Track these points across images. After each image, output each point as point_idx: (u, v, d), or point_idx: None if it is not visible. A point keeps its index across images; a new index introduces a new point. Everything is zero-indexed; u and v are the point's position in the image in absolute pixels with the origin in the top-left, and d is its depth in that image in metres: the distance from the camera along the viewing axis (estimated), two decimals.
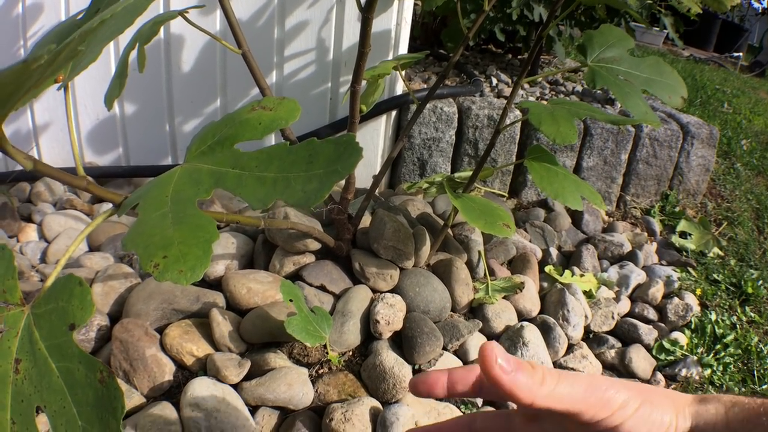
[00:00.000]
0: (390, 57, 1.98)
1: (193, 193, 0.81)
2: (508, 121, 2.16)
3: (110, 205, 2.03)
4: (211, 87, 2.03)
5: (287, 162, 0.79)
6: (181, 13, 1.37)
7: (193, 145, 0.91)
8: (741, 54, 8.17)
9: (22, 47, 2.00)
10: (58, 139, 2.12)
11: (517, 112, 2.22)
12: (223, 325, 1.40)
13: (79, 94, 2.05)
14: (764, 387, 1.73)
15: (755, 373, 1.77)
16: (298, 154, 0.79)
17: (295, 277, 1.58)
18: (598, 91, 2.60)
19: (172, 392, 1.35)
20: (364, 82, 1.44)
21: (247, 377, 1.35)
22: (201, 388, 1.27)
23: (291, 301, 1.33)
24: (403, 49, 2.02)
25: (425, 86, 2.35)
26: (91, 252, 1.75)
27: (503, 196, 2.31)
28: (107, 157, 2.17)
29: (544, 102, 2.51)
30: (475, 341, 1.56)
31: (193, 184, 0.83)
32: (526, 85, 2.65)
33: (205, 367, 1.37)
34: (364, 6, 1.24)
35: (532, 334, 1.57)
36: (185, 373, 1.38)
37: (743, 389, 1.72)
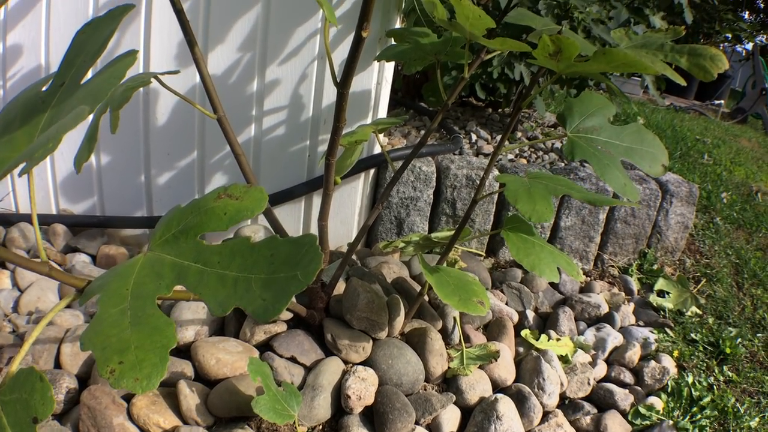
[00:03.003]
0: (369, 117, 1.97)
1: (154, 288, 0.80)
2: (487, 185, 2.15)
3: (83, 256, 2.02)
4: (189, 140, 2.02)
5: (249, 260, 0.78)
6: (155, 76, 1.36)
7: (158, 231, 0.90)
8: (722, 101, 8.25)
9: (1, 88, 1.98)
10: (34, 184, 2.09)
11: (497, 172, 2.21)
12: (190, 397, 1.38)
13: None
14: None
15: None
16: (260, 253, 0.79)
17: (266, 346, 1.56)
18: None
19: None
20: (341, 148, 1.44)
21: None
22: None
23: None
24: (383, 108, 2.01)
25: (405, 141, 2.35)
26: (62, 309, 1.72)
27: (480, 256, 2.30)
28: (82, 205, 2.15)
29: (523, 160, 2.51)
30: (448, 414, 1.54)
31: (154, 277, 0.82)
32: (506, 143, 2.65)
33: None
34: (340, 81, 1.23)
35: (506, 407, 1.54)
36: None
37: None
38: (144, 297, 0.79)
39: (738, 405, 1.87)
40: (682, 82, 1.37)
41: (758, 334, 2.24)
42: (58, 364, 1.50)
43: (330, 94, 1.95)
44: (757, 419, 1.82)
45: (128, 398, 1.40)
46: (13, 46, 1.93)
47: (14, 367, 0.75)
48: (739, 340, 2.15)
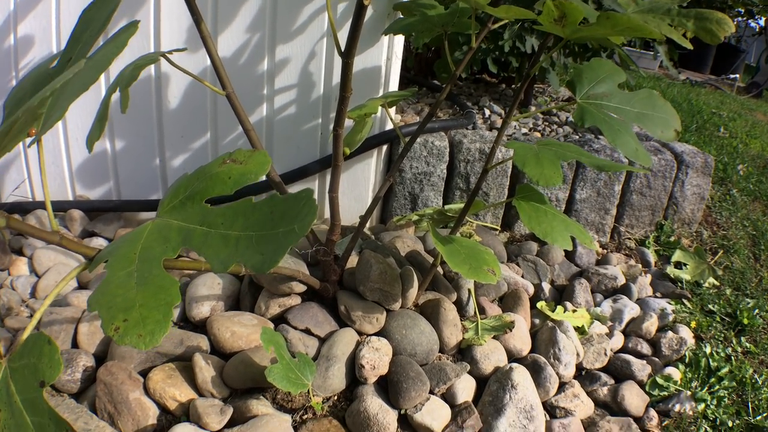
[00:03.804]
0: (380, 92, 1.97)
1: (161, 251, 0.82)
2: (498, 157, 2.15)
3: (100, 240, 2.04)
4: (202, 121, 2.03)
5: (251, 219, 0.80)
6: (164, 55, 1.37)
7: (166, 198, 0.91)
8: (738, 75, 8.17)
9: (14, 78, 2.00)
10: (49, 172, 2.11)
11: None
12: (206, 370, 1.39)
13: (70, 127, 2.05)
14: (759, 418, 1.71)
15: (750, 404, 1.76)
16: (261, 210, 0.80)
17: (281, 319, 1.57)
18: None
19: None
20: (350, 122, 1.44)
21: (230, 424, 1.33)
22: None
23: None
24: (394, 83, 2.01)
25: (418, 118, 2.34)
26: (79, 290, 1.74)
27: (495, 230, 2.30)
28: (98, 191, 2.17)
29: (537, 134, 2.50)
30: (462, 384, 1.54)
31: (161, 241, 0.83)
32: (519, 115, 2.64)
33: (188, 412, 1.36)
34: (344, 51, 1.24)
35: (521, 376, 1.55)
36: (168, 417, 1.37)
37: (737, 421, 1.70)
38: (151, 260, 0.80)
39: (756, 376, 1.86)
40: (689, 46, 1.36)
41: None
42: (75, 344, 1.52)
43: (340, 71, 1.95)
44: None
45: (144, 373, 1.42)
46: (24, 36, 1.94)
47: (24, 336, 0.76)
48: (757, 311, 2.14)
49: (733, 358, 1.93)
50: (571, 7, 1.14)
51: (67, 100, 0.81)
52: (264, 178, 1.55)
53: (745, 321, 2.08)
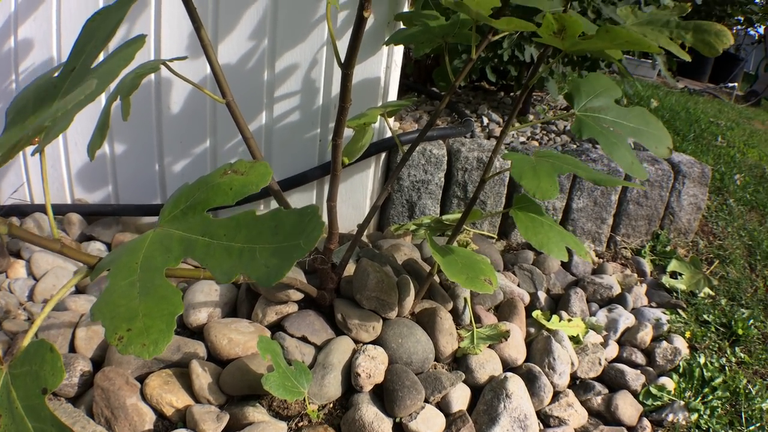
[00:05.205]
0: (379, 101, 1.98)
1: (163, 261, 0.83)
2: (496, 165, 2.16)
3: (98, 244, 2.04)
4: (201, 127, 2.04)
5: (254, 231, 0.81)
6: (164, 63, 1.38)
7: (167, 208, 0.92)
8: (736, 84, 8.19)
9: (14, 81, 2.01)
10: (48, 175, 2.12)
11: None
12: (202, 377, 1.40)
13: (69, 131, 2.06)
14: (752, 429, 1.72)
15: (743, 415, 1.76)
16: (264, 224, 0.81)
17: (277, 327, 1.58)
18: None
19: None
20: (350, 131, 1.45)
21: (226, 431, 1.34)
22: None
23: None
24: (393, 92, 2.03)
25: (417, 126, 2.35)
26: (77, 294, 1.75)
27: (492, 238, 2.31)
28: (97, 195, 2.17)
29: (535, 142, 2.51)
30: (457, 393, 1.55)
31: (163, 251, 0.84)
32: (517, 124, 2.66)
33: (184, 418, 1.37)
34: (344, 62, 1.25)
35: (515, 385, 1.56)
36: (165, 423, 1.38)
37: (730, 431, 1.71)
38: (153, 270, 0.81)
39: (750, 386, 1.87)
40: (687, 58, 1.37)
41: None
42: (73, 349, 1.53)
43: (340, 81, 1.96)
44: None
45: (141, 379, 1.43)
46: (24, 39, 1.95)
47: (25, 343, 0.76)
48: (752, 321, 2.15)
49: (727, 368, 1.94)
50: (571, 21, 1.15)
51: (71, 113, 0.82)
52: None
53: (740, 331, 2.09)
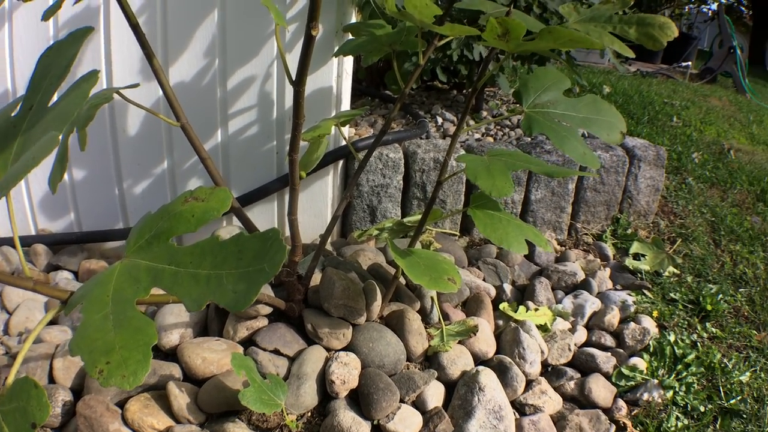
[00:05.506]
0: (333, 111, 2.01)
1: (133, 292, 0.85)
2: (453, 164, 2.19)
3: (65, 273, 2.04)
4: (158, 149, 2.04)
5: (219, 258, 0.83)
6: (118, 91, 1.39)
7: (132, 238, 0.94)
8: (690, 63, 8.29)
9: None
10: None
11: (464, 152, 2.25)
12: (180, 398, 1.41)
13: None
14: (733, 402, 1.76)
15: (721, 389, 1.80)
16: (228, 250, 0.83)
17: (249, 342, 1.60)
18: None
19: None
20: (305, 143, 1.47)
21: None
22: None
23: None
24: (346, 100, 2.05)
25: (372, 131, 2.38)
26: (50, 326, 1.75)
27: (455, 235, 2.34)
28: (60, 223, 2.17)
29: (490, 138, 2.55)
30: (432, 390, 1.58)
31: (132, 282, 0.86)
32: (472, 122, 2.69)
33: None
34: (295, 79, 1.27)
35: (487, 378, 1.59)
36: None
37: (710, 406, 1.74)
38: (124, 301, 0.83)
39: (725, 360, 1.91)
40: (631, 55, 1.40)
41: (740, 289, 2.29)
42: (52, 379, 1.53)
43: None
44: (748, 374, 1.86)
45: (122, 404, 1.44)
46: None
47: (10, 380, 0.79)
48: (721, 296, 2.19)
49: (699, 344, 1.97)
50: (514, 24, 1.18)
51: (34, 161, 0.84)
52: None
53: (709, 307, 2.13)
